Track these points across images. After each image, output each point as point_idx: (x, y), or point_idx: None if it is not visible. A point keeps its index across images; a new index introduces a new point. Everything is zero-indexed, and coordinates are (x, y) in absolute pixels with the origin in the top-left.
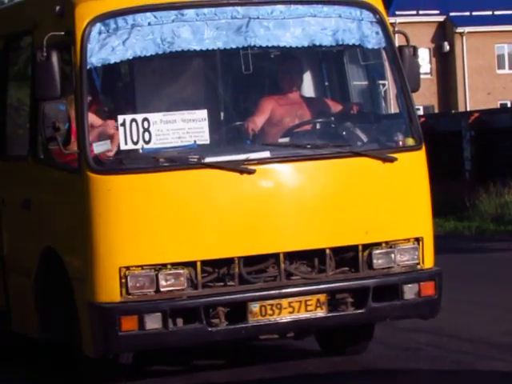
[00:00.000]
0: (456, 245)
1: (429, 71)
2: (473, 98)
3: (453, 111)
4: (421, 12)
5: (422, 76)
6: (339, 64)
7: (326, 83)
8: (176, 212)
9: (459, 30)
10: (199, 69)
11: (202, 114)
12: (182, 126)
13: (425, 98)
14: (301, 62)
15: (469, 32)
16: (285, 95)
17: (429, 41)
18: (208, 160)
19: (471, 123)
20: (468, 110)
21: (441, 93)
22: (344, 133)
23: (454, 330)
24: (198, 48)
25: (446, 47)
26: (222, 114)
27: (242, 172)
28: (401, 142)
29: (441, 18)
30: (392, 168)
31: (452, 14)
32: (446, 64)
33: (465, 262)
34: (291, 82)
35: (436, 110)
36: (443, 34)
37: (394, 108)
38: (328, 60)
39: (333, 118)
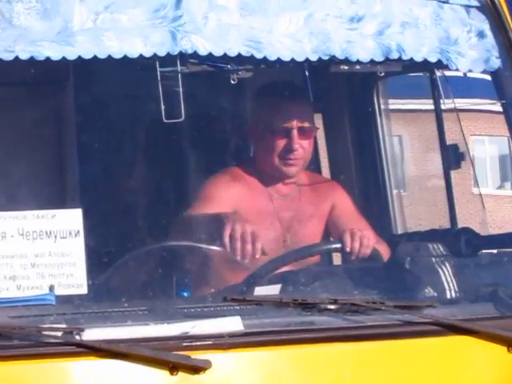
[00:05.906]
0: None
1: None
2: None
3: None
4: None
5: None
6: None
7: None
8: None
9: None
10: (50, 109)
11: (74, 215)
12: (22, 251)
13: None
14: (307, 97)
15: None
16: (263, 173)
17: None
18: (89, 336)
19: None
20: None
21: None
22: (409, 279)
23: None
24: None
25: None
26: (119, 217)
27: (172, 369)
28: None
29: None
30: None
31: None
32: None
33: None
34: (291, 141)
35: None
36: None
37: None
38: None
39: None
